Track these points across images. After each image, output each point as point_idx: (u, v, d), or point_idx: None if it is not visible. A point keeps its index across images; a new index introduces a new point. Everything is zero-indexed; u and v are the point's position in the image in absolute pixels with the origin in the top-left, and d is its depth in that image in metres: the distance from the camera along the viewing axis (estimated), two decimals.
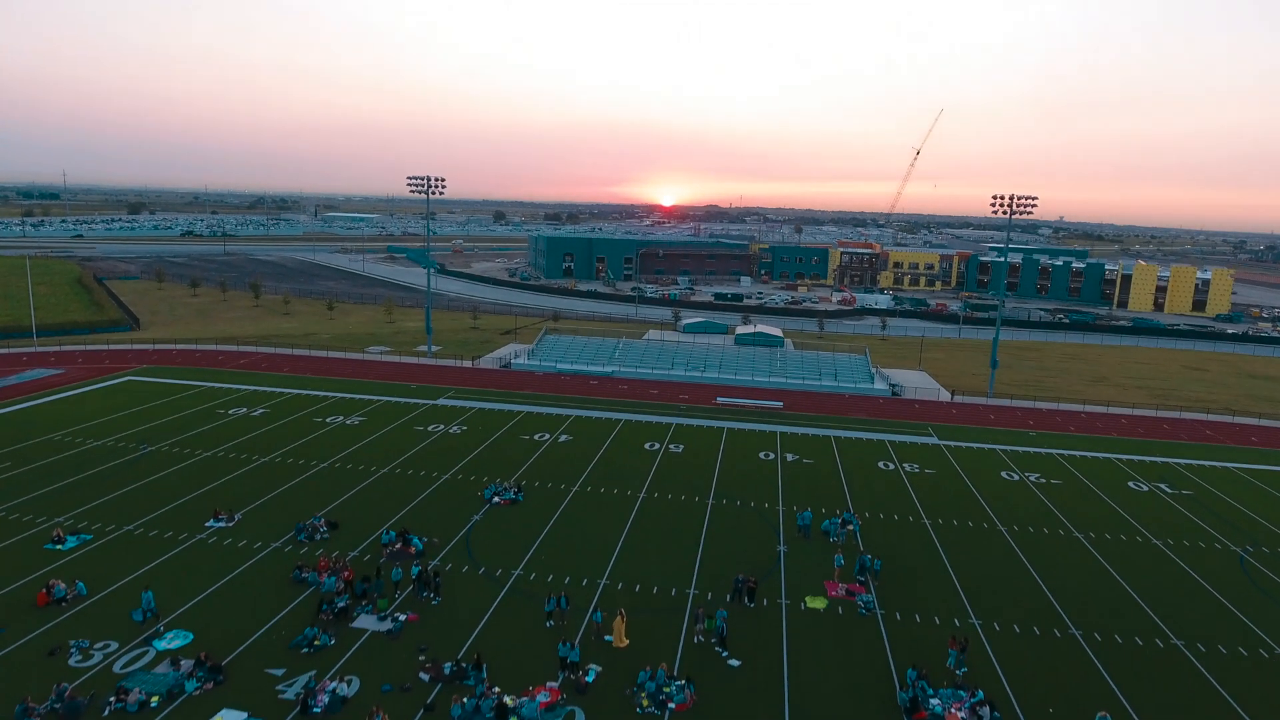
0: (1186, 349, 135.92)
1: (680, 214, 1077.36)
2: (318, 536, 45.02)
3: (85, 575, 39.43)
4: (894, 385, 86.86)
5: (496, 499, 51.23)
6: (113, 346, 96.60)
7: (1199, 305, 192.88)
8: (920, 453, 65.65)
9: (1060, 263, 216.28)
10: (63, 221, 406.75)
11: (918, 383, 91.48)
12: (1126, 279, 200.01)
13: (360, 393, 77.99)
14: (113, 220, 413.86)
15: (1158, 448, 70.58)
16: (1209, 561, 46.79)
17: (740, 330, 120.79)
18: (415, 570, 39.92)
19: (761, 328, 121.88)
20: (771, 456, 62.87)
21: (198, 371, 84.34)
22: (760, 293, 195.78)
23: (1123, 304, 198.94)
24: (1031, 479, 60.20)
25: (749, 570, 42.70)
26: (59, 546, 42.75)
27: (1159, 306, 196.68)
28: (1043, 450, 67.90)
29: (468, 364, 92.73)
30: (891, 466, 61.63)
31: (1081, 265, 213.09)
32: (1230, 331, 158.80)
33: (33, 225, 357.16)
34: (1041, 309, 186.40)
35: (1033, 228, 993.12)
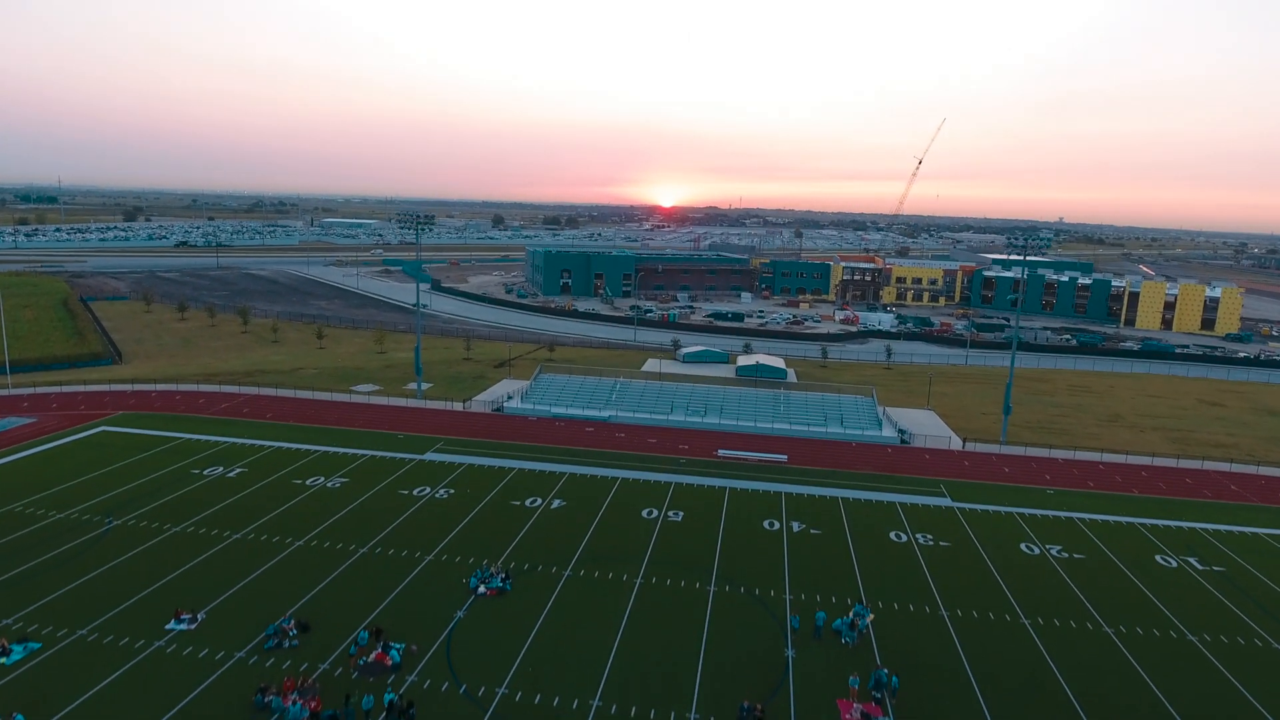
0: (1199, 376, 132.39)
1: (680, 216, 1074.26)
2: (286, 644, 41.42)
3: (27, 701, 35.92)
4: (902, 431, 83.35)
5: (482, 588, 47.67)
6: (90, 388, 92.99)
7: (1208, 324, 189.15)
8: (933, 519, 62.10)
9: (1066, 278, 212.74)
10: (56, 230, 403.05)
11: (927, 425, 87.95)
12: (1134, 296, 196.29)
13: (345, 445, 74.43)
14: (107, 229, 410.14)
15: (1182, 509, 67.04)
16: (1252, 665, 43.26)
17: (741, 361, 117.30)
18: (388, 697, 36.39)
19: (763, 358, 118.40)
20: (776, 526, 59.33)
21: (175, 419, 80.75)
22: (761, 311, 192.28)
23: (1130, 321, 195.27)
24: (1053, 553, 56.67)
25: (755, 684, 39.18)
26: (2, 660, 39.23)
27: (1167, 324, 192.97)
28: (1062, 514, 64.36)
29: (459, 407, 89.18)
30: (904, 538, 58.08)
31: (1088, 281, 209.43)
32: (1242, 355, 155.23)
33: (26, 235, 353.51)
34: (1047, 327, 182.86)
35: (1033, 231, 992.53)
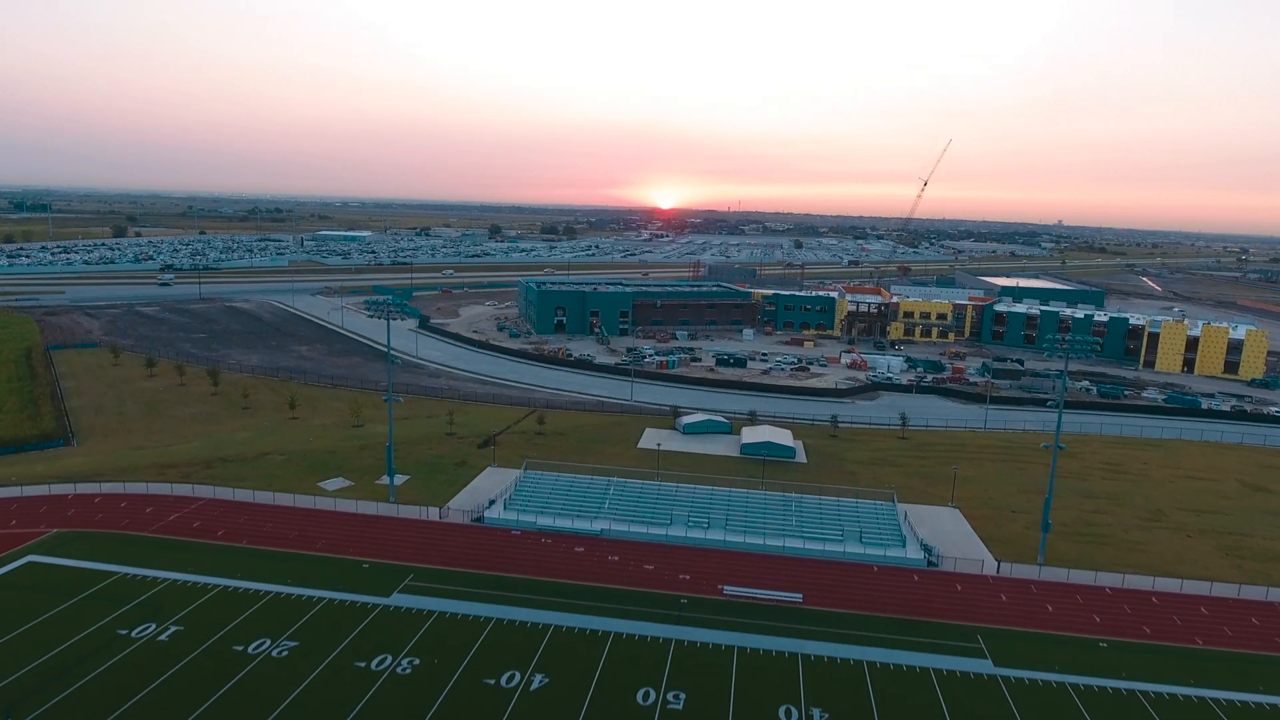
0: (1234, 442, 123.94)
1: (679, 222, 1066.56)
2: None
3: None
4: (928, 549, 74.76)
5: None
6: (29, 490, 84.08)
7: (1231, 366, 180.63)
8: (975, 699, 53.42)
9: (1081, 315, 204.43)
10: (42, 248, 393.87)
11: (953, 535, 79.60)
12: (1154, 337, 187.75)
13: (301, 581, 65.70)
14: (93, 248, 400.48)
15: (1258, 671, 58.46)
16: None
17: (746, 437, 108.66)
18: None
19: (769, 433, 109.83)
20: (795, 717, 50.65)
21: (115, 541, 72.01)
22: (764, 353, 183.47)
23: (1149, 364, 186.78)
24: None
25: None
26: None
27: (1188, 365, 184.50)
28: (1122, 685, 55.72)
29: (435, 513, 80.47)
30: None
31: (1104, 318, 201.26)
32: (1273, 409, 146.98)
33: (8, 257, 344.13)
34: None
35: (1033, 238, 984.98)
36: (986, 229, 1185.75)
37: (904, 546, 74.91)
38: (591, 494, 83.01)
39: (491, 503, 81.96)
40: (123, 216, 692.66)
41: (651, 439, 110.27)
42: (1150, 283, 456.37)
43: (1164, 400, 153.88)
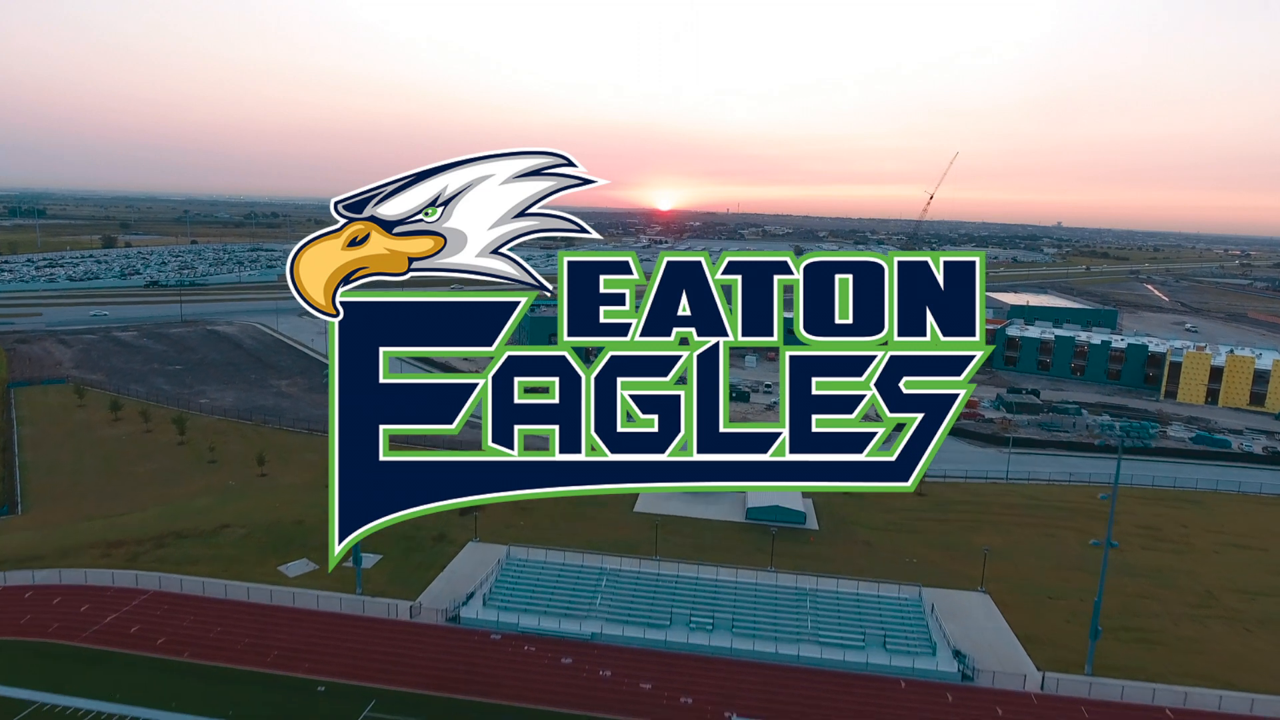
0: (1274, 494, 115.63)
1: (678, 225, 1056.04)
2: None
3: None
4: (961, 659, 66.22)
5: None
6: None
7: (1257, 398, 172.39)
8: None
9: (1098, 341, 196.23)
10: (27, 261, 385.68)
11: (986, 633, 71.18)
12: (1175, 366, 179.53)
13: (245, 717, 57.16)
14: (79, 260, 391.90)
15: None
16: None
17: (752, 501, 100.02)
18: None
19: (777, 495, 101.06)
20: None
21: (39, 656, 63.57)
22: (768, 384, 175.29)
23: (1171, 394, 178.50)
24: None
25: None
26: None
27: (1212, 395, 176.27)
28: None
29: (406, 610, 71.92)
30: None
31: (1122, 344, 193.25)
32: None
33: None
34: (1082, 405, 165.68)
35: (1034, 241, 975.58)
36: (986, 231, 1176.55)
37: (934, 654, 66.38)
38: (582, 585, 74.40)
39: (470, 596, 73.27)
40: (116, 223, 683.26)
41: (650, 502, 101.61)
42: (1157, 292, 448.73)
43: (1192, 440, 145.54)
